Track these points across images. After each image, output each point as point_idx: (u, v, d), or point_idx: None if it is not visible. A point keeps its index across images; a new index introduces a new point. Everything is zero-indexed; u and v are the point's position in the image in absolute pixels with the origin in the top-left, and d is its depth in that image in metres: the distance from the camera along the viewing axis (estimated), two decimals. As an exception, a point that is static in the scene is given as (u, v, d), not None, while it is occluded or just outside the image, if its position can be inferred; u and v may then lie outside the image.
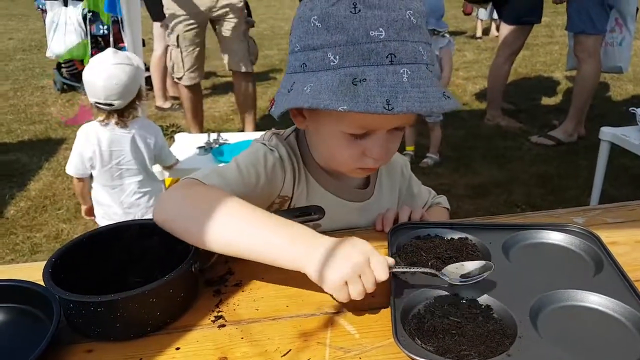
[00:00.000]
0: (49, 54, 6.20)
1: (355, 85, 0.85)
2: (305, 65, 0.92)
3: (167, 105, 5.73)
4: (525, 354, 0.75)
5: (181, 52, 4.00)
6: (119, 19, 3.74)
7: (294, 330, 0.85)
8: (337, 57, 0.88)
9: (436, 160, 4.31)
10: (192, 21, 3.94)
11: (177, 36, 3.95)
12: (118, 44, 4.77)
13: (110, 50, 2.48)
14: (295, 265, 0.86)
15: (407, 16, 0.88)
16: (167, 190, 1.02)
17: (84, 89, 2.79)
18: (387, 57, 0.86)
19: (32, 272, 0.92)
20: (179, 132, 4.18)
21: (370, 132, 0.97)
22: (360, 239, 0.87)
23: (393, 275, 0.93)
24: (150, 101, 5.81)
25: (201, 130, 4.40)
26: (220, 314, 0.89)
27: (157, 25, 5.31)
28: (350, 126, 0.96)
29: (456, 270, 0.89)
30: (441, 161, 4.32)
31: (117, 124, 2.46)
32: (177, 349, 0.81)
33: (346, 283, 0.82)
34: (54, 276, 0.85)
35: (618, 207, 1.23)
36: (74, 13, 5.86)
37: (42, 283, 0.85)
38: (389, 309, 0.85)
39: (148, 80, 5.56)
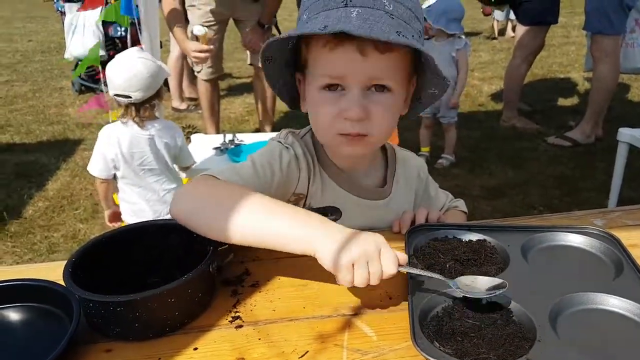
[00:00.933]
0: (67, 55, 6.29)
1: (307, 23, 0.97)
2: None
3: (183, 106, 5.78)
4: (545, 357, 0.74)
5: None
6: (136, 21, 3.77)
7: (311, 331, 0.85)
8: (306, 13, 0.99)
9: (451, 161, 4.28)
10: (211, 19, 3.98)
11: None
12: (136, 46, 4.81)
13: (135, 48, 2.57)
14: (307, 245, 0.87)
15: None
16: (183, 186, 1.04)
17: (101, 91, 2.84)
18: (342, 2, 0.93)
19: (51, 271, 0.93)
20: (195, 132, 4.21)
21: (345, 89, 1.00)
22: (376, 233, 0.88)
23: (410, 278, 0.93)
24: (167, 102, 5.86)
25: (217, 129, 4.43)
26: (237, 314, 0.90)
27: None
28: (321, 76, 1.01)
29: (469, 282, 0.88)
30: (456, 162, 4.29)
31: (135, 122, 2.50)
32: (195, 349, 0.82)
33: (354, 267, 0.83)
34: (74, 276, 0.86)
35: (638, 209, 1.21)
36: (92, 15, 5.94)
37: (61, 282, 0.86)
38: (407, 311, 0.85)
39: (165, 81, 5.61)
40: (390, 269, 0.84)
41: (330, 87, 1.01)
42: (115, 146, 2.50)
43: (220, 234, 0.92)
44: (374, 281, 0.84)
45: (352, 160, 1.16)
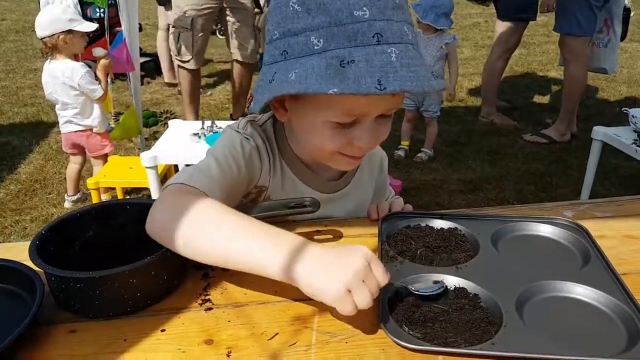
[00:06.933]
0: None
1: (344, 67, 0.81)
2: (287, 53, 0.87)
3: (176, 80, 5.73)
4: (510, 342, 0.75)
5: (193, 35, 3.99)
6: (116, 1, 3.70)
7: (282, 314, 0.85)
8: (322, 40, 0.84)
9: (430, 155, 4.31)
10: (207, 5, 3.95)
11: (192, 19, 3.95)
12: (114, 28, 4.72)
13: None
14: (289, 276, 0.78)
15: None
16: (156, 203, 0.93)
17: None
18: (373, 37, 0.82)
19: (19, 252, 0.91)
20: (172, 118, 4.16)
21: (358, 120, 0.93)
22: (358, 245, 0.82)
23: (382, 262, 0.93)
24: (144, 86, 5.78)
25: (197, 117, 4.39)
26: (207, 297, 0.89)
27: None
28: (338, 114, 0.91)
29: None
30: (435, 156, 4.33)
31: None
32: (162, 330, 0.81)
33: (349, 291, 0.75)
34: (42, 250, 0.85)
35: (607, 202, 1.24)
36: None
37: (28, 263, 0.85)
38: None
39: (143, 65, 5.53)
40: (384, 280, 0.78)
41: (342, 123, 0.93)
42: None
43: (198, 258, 0.87)
44: (374, 296, 0.76)
45: None
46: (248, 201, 1.11)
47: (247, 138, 1.06)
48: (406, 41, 0.86)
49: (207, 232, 0.84)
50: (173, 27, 4.04)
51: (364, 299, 0.74)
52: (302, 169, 1.12)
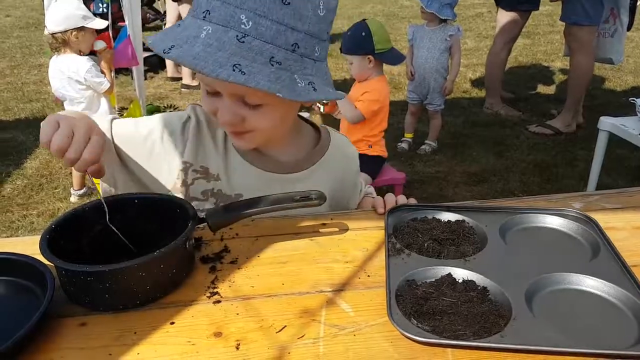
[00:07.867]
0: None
1: (173, 31, 0.93)
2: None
3: (195, 82, 5.71)
4: (519, 334, 0.75)
5: None
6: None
7: (290, 307, 0.85)
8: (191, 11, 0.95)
9: (434, 147, 4.30)
10: None
11: None
12: (117, 23, 4.72)
13: None
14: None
15: None
16: None
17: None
18: (203, 12, 0.90)
19: (28, 246, 0.91)
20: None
21: (219, 95, 1.00)
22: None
23: (389, 256, 0.93)
24: (148, 81, 5.78)
25: None
26: (215, 290, 0.89)
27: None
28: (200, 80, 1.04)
29: None
30: (439, 148, 4.31)
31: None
32: (172, 323, 0.81)
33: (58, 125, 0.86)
34: (53, 244, 0.85)
35: (616, 193, 1.23)
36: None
37: (38, 257, 0.85)
38: (384, 288, 0.85)
39: (147, 59, 5.53)
40: (89, 154, 0.86)
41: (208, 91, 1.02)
42: None
43: None
44: (72, 152, 0.85)
45: None
46: (197, 177, 1.15)
47: (180, 116, 1.17)
48: (232, 27, 0.87)
49: None
50: None
51: (60, 140, 0.85)
52: (249, 152, 1.15)
